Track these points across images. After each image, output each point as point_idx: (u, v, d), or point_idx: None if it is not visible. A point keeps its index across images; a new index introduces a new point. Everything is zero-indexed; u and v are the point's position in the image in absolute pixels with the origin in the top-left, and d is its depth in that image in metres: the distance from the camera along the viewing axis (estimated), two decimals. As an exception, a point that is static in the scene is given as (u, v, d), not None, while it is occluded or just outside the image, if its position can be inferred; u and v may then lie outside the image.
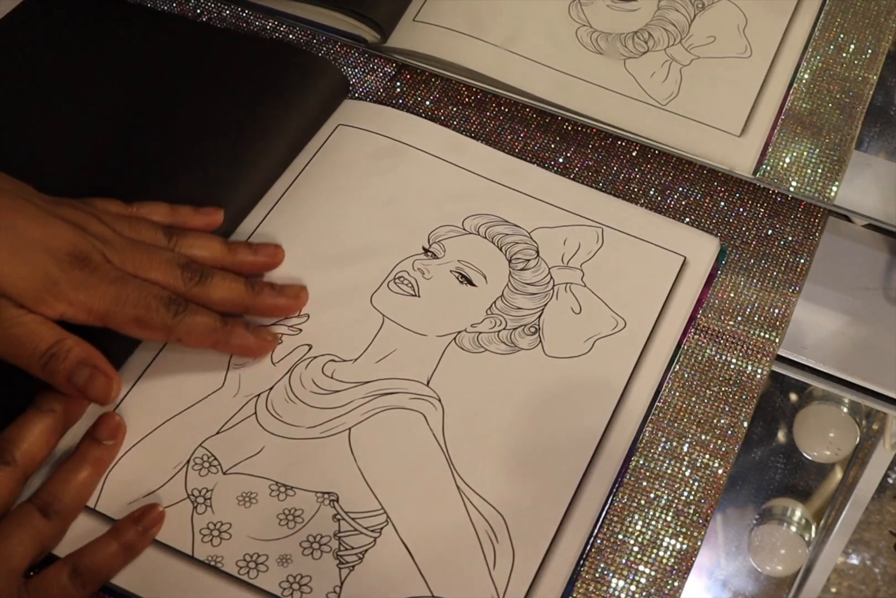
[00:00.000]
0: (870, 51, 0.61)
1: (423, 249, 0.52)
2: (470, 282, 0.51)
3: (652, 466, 0.48)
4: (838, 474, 0.59)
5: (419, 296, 0.51)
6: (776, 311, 0.53)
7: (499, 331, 0.50)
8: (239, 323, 0.47)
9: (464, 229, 0.53)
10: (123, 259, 0.45)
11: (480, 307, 0.51)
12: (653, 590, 0.45)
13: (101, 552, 0.42)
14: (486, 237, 0.53)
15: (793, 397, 0.60)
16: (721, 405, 0.50)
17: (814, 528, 0.58)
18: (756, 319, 0.53)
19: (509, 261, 0.52)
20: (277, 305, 0.49)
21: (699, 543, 0.46)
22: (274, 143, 0.54)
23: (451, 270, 0.52)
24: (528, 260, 0.52)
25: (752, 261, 0.55)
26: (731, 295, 0.54)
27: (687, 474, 0.48)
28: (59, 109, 0.56)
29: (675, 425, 0.49)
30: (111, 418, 0.46)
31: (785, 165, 0.57)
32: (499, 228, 0.53)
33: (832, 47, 0.61)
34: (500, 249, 0.53)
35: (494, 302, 0.51)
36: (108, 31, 0.60)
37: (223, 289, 0.47)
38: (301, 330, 0.49)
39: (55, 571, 0.41)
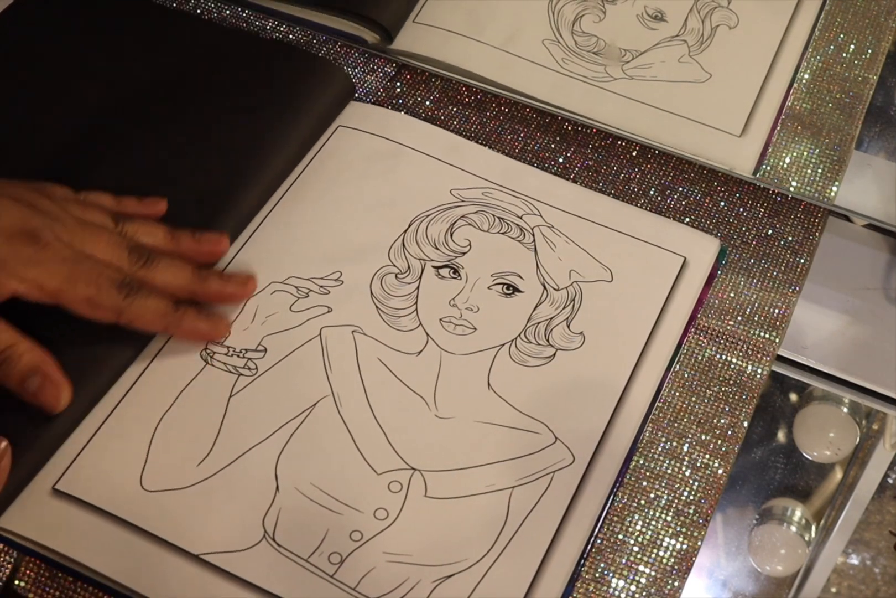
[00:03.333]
0: (870, 51, 0.61)
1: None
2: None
3: (652, 466, 0.48)
4: (838, 474, 0.59)
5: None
6: (776, 311, 0.53)
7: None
8: (191, 308, 0.47)
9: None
10: (72, 238, 0.45)
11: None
12: (653, 590, 0.45)
13: None
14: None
15: (793, 397, 0.60)
16: (721, 405, 0.50)
17: (814, 528, 0.58)
18: (756, 319, 0.53)
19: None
20: (224, 292, 0.49)
21: (699, 543, 0.46)
22: (280, 147, 0.54)
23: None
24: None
25: (752, 261, 0.55)
26: (731, 295, 0.54)
27: (687, 474, 0.48)
28: (55, 105, 0.55)
29: (675, 425, 0.49)
30: None
31: (785, 165, 0.57)
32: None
33: (832, 47, 0.61)
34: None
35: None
36: (108, 25, 0.59)
37: (168, 274, 0.47)
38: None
39: None
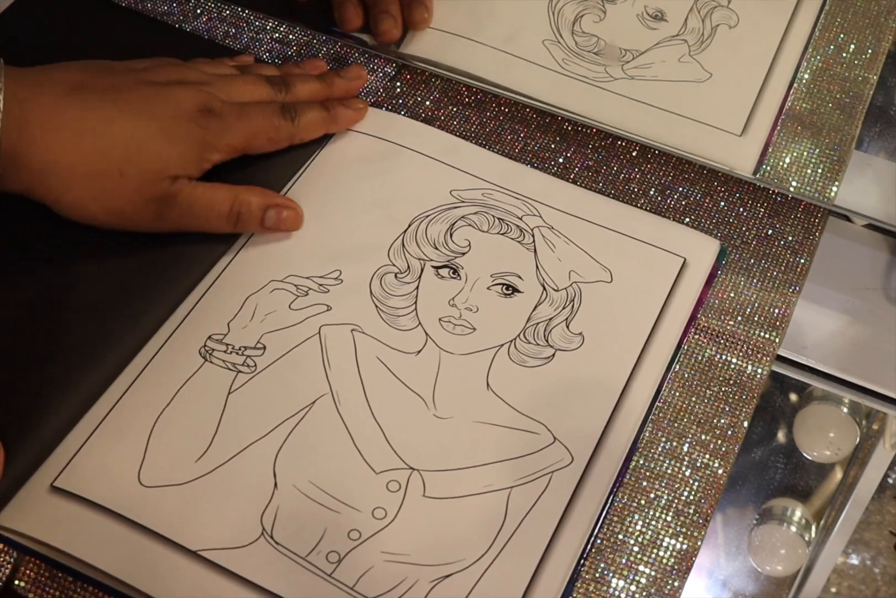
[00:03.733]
0: (870, 51, 0.61)
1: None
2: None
3: (652, 466, 0.48)
4: (838, 474, 0.59)
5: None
6: (776, 311, 0.53)
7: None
8: (336, 104, 0.55)
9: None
10: (228, 94, 0.51)
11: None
12: (653, 590, 0.45)
13: None
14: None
15: (793, 397, 0.60)
16: (721, 405, 0.50)
17: (814, 528, 0.58)
18: (756, 319, 0.53)
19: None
20: (351, 86, 0.57)
21: (699, 543, 0.46)
22: (291, 169, 0.55)
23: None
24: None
25: (752, 261, 0.55)
26: (731, 295, 0.54)
27: (687, 474, 0.48)
28: None
29: (675, 425, 0.49)
30: None
31: (785, 165, 0.57)
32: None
33: (832, 47, 0.61)
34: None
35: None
36: (110, 39, 0.60)
37: (305, 89, 0.55)
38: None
39: None
